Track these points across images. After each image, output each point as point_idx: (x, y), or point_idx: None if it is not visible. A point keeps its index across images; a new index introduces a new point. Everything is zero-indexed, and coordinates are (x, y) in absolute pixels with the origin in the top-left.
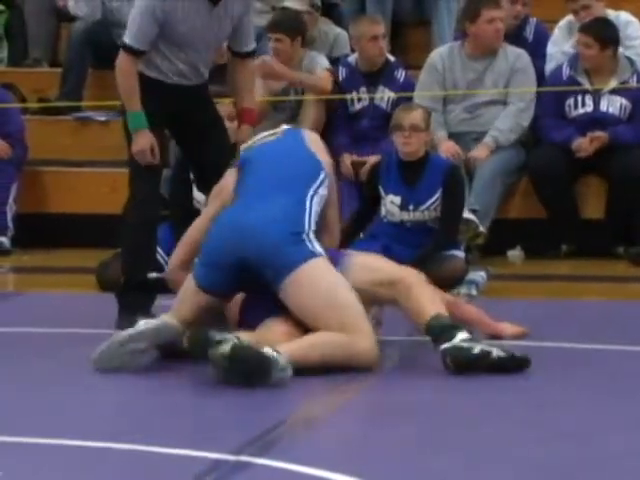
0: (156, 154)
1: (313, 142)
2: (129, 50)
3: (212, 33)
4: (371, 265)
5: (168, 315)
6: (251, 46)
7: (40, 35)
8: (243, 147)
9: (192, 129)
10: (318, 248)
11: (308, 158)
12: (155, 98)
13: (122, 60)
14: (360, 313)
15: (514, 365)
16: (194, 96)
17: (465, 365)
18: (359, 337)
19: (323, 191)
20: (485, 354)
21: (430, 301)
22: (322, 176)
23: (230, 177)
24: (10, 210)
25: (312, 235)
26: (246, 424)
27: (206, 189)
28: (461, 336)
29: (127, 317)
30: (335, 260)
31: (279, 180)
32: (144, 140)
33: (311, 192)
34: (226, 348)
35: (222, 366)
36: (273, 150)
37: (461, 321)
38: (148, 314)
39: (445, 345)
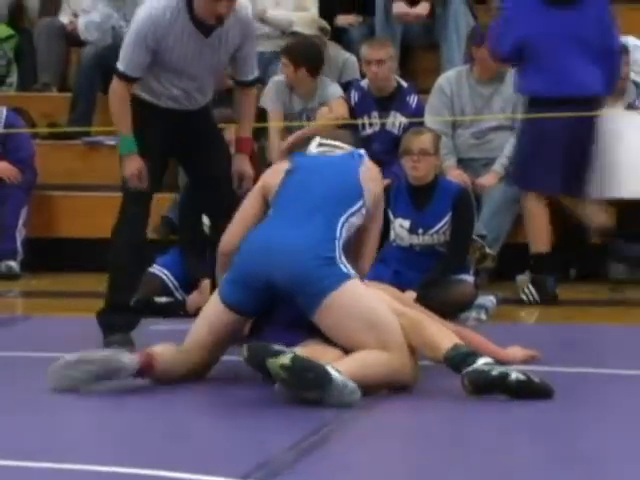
0: (144, 179)
1: (367, 170)
2: (122, 76)
3: (206, 62)
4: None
5: (179, 344)
6: (251, 76)
7: (49, 60)
8: (305, 150)
9: (189, 152)
10: (351, 270)
11: (353, 184)
12: (150, 121)
13: (115, 86)
14: (398, 332)
15: (533, 390)
16: (188, 121)
17: (483, 387)
18: (398, 356)
19: (356, 220)
20: (503, 376)
21: (443, 333)
22: (359, 205)
23: (278, 168)
24: (20, 234)
25: (343, 258)
26: (255, 448)
27: (206, 210)
28: (483, 361)
29: (107, 337)
30: None
31: (317, 199)
32: (133, 164)
33: (343, 218)
34: (286, 359)
35: (281, 377)
36: (325, 165)
37: None
38: (127, 335)
39: (466, 369)
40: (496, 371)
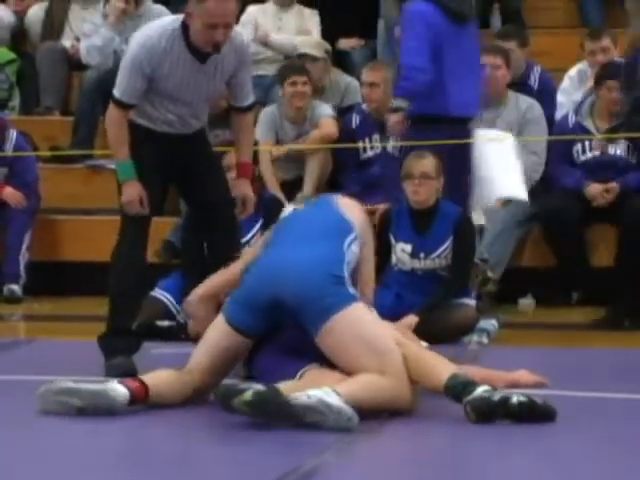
0: (145, 204)
1: (345, 205)
2: (118, 103)
3: (201, 89)
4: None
5: (183, 370)
6: (247, 101)
7: (52, 83)
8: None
9: (184, 175)
10: (357, 293)
11: (340, 218)
12: (147, 145)
13: (111, 112)
14: (399, 359)
15: (536, 412)
16: (183, 145)
17: (486, 413)
18: (398, 382)
19: (355, 248)
20: (505, 399)
21: (443, 365)
22: (353, 234)
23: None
24: (23, 258)
25: (350, 281)
26: (254, 473)
27: (199, 233)
28: (482, 388)
29: (109, 360)
30: None
31: (315, 232)
32: (132, 190)
33: (346, 245)
34: (247, 395)
35: (247, 413)
36: (305, 214)
37: None
38: (129, 359)
39: (467, 398)
40: (497, 396)
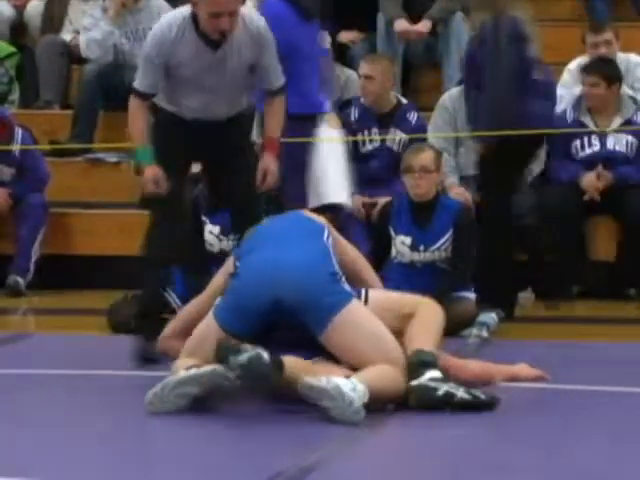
0: (161, 185)
1: (308, 213)
2: (136, 93)
3: (221, 75)
4: (389, 299)
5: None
6: (276, 84)
7: (51, 77)
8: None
9: (209, 162)
10: (351, 289)
11: (309, 221)
12: (172, 130)
13: (131, 102)
14: (399, 351)
15: (479, 407)
16: (211, 131)
17: (428, 406)
18: (403, 372)
19: (331, 243)
20: (450, 396)
21: (422, 332)
22: (327, 232)
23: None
24: (35, 254)
25: (344, 277)
26: (255, 468)
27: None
28: (430, 375)
29: (142, 345)
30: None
31: (294, 234)
32: (149, 171)
33: (325, 240)
34: (243, 358)
35: (236, 375)
36: (276, 222)
37: (471, 383)
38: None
39: (413, 382)
40: (442, 390)
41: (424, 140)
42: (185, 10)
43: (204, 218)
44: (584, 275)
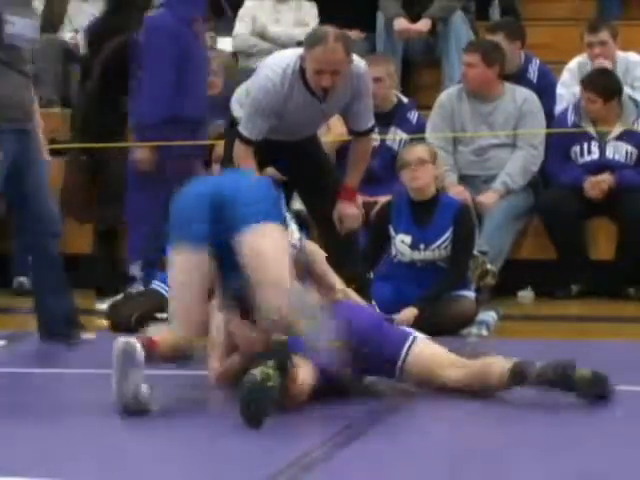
0: None
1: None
2: (244, 140)
3: (318, 119)
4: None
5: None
6: (363, 127)
7: (51, 76)
8: None
9: (293, 179)
10: (284, 213)
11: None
12: (262, 152)
13: (238, 146)
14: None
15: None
16: (290, 149)
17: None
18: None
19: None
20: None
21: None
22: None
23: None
24: None
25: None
26: (258, 464)
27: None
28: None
29: None
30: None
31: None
32: None
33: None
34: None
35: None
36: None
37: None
38: None
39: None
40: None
41: (424, 140)
42: (292, 62)
43: None
44: (584, 274)
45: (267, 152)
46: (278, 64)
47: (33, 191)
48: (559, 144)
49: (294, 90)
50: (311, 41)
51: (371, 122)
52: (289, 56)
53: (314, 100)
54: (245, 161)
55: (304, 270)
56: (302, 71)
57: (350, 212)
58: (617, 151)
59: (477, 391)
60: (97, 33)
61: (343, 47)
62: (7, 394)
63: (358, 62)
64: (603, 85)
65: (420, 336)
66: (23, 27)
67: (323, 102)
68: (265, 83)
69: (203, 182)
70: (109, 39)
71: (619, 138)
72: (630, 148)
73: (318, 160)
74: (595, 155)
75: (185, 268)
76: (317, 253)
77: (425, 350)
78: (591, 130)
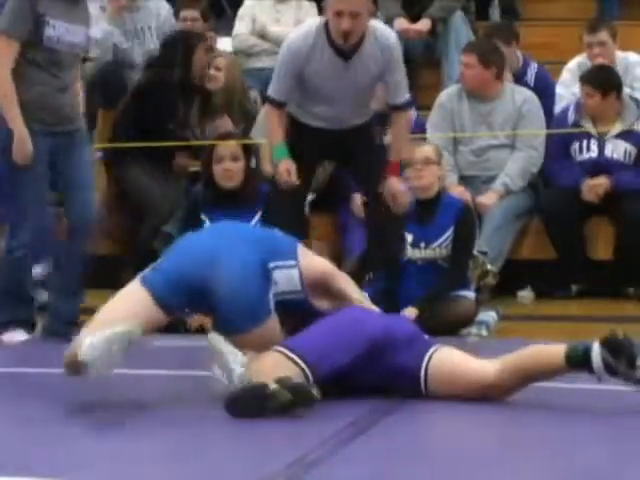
0: (292, 174)
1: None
2: (270, 101)
3: (347, 86)
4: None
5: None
6: (400, 99)
7: None
8: None
9: (342, 163)
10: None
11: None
12: (300, 137)
13: (267, 109)
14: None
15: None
16: (339, 140)
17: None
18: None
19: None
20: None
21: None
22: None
23: None
24: None
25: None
26: (258, 465)
27: None
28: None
29: None
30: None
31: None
32: (282, 165)
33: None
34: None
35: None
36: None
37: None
38: None
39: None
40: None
41: (424, 140)
42: (318, 20)
43: (203, 216)
44: (583, 274)
45: (316, 149)
46: (303, 26)
47: (74, 192)
48: (559, 143)
49: (318, 44)
50: None
51: (406, 95)
52: (314, 20)
53: (338, 60)
54: (274, 131)
55: (324, 292)
56: (327, 28)
57: (397, 188)
58: (616, 150)
59: (526, 381)
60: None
61: None
62: (7, 394)
63: (387, 32)
64: (601, 79)
65: (443, 346)
66: (65, 31)
67: (348, 61)
68: (289, 42)
69: (200, 247)
70: None
71: (618, 137)
72: (629, 147)
73: (365, 156)
74: (594, 153)
75: (131, 299)
76: (326, 271)
77: (447, 355)
78: (590, 128)
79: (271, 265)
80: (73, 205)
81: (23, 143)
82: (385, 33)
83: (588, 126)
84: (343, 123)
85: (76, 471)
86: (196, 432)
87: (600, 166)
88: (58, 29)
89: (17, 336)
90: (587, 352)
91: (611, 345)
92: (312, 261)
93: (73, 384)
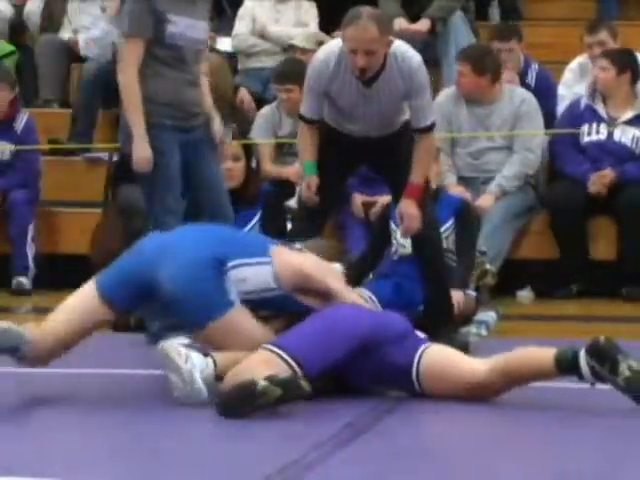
0: (312, 188)
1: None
2: (301, 118)
3: (372, 108)
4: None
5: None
6: (423, 123)
7: (51, 76)
8: None
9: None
10: (234, 295)
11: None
12: (330, 146)
13: (300, 127)
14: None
15: None
16: (368, 146)
17: None
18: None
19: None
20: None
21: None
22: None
23: None
24: (30, 250)
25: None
26: (254, 466)
27: None
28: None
29: None
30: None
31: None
32: (305, 182)
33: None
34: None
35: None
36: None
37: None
38: None
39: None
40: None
41: None
42: (341, 43)
43: None
44: (583, 274)
45: (340, 150)
46: (329, 45)
47: (205, 192)
48: (568, 135)
49: (340, 68)
50: (345, 21)
51: (430, 119)
52: (338, 41)
53: (360, 85)
54: (305, 148)
55: (308, 290)
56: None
57: (409, 211)
58: (625, 135)
59: (515, 383)
60: None
61: (376, 26)
62: (7, 394)
63: (410, 54)
64: (619, 56)
65: (434, 344)
66: (186, 27)
67: (369, 87)
68: (314, 62)
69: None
70: None
71: (629, 122)
72: (638, 133)
73: (399, 160)
74: (603, 136)
75: (78, 294)
76: (301, 270)
77: (438, 352)
78: (602, 111)
79: (233, 262)
80: (205, 207)
81: (144, 149)
82: (407, 57)
83: (600, 109)
84: (372, 134)
85: (73, 471)
86: (193, 433)
87: (607, 150)
88: (179, 25)
89: None
90: (575, 357)
91: (594, 351)
92: (287, 259)
93: (73, 384)
